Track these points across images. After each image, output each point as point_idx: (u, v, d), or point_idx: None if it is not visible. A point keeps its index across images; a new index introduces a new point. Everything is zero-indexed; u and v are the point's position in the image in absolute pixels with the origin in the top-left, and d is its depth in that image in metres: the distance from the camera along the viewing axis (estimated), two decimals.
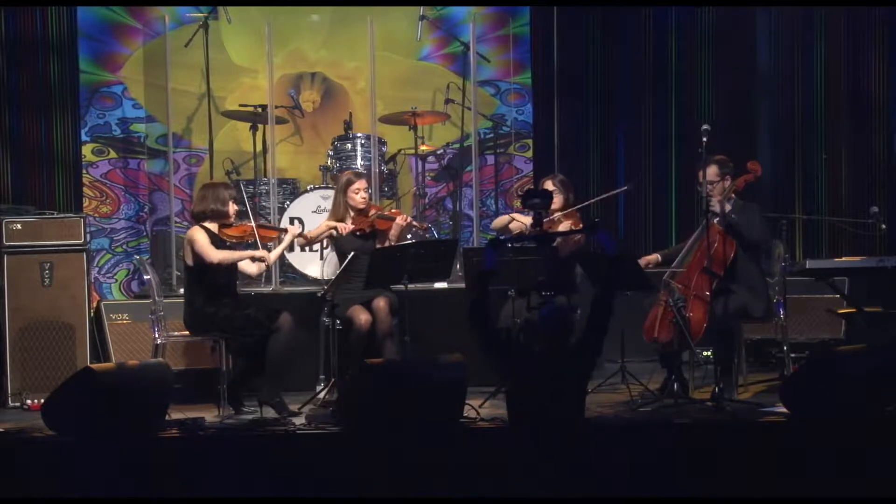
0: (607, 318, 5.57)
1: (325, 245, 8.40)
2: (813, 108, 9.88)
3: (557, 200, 7.80)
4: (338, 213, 7.82)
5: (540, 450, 5.37)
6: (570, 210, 7.79)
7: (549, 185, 7.82)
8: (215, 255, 7.14)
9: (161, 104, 9.33)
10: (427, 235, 8.72)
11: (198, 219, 7.32)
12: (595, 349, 5.66)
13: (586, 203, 7.93)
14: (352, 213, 7.78)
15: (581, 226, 7.77)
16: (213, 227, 7.26)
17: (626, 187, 8.67)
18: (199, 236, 7.16)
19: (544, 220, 7.79)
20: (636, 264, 7.33)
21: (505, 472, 5.97)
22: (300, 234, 7.69)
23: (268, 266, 7.60)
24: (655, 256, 7.58)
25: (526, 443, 5.44)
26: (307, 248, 8.26)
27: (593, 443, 5.61)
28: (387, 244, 7.72)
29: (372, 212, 7.79)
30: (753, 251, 7.34)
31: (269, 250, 7.74)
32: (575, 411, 5.49)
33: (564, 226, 7.67)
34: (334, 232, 7.73)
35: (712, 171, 7.31)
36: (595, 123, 9.94)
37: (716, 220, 7.25)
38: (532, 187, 7.68)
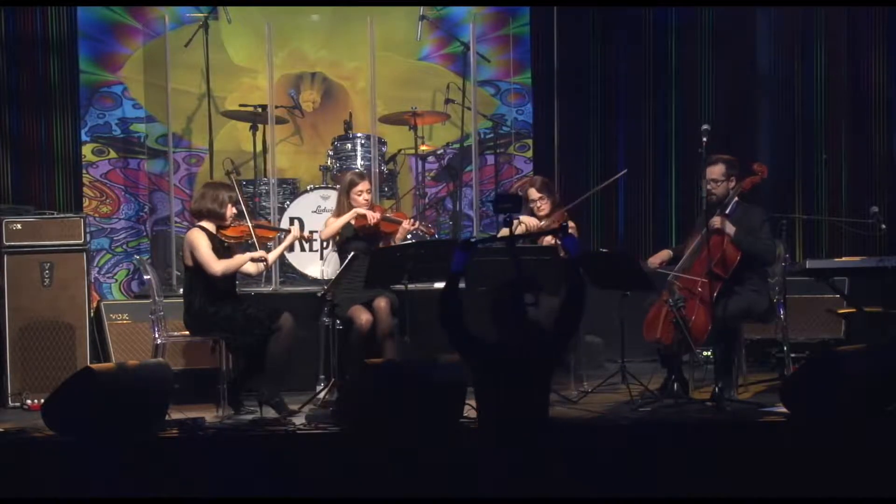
0: (576, 321, 5.53)
1: (325, 245, 8.40)
2: (813, 108, 9.88)
3: (545, 206, 7.80)
4: (341, 213, 7.80)
5: (505, 448, 5.37)
6: (559, 212, 7.79)
7: (533, 194, 7.82)
8: (218, 266, 7.12)
9: (161, 104, 9.34)
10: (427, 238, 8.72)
11: (195, 216, 7.31)
12: (559, 349, 5.64)
13: (582, 197, 7.92)
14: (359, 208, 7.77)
15: (571, 224, 7.75)
16: (211, 227, 7.25)
17: (624, 171, 8.61)
18: (201, 242, 7.12)
19: (539, 224, 7.82)
20: (636, 264, 7.33)
21: (505, 472, 5.98)
22: (302, 237, 7.66)
23: (267, 267, 7.58)
24: (667, 252, 7.53)
25: (492, 441, 5.44)
26: (309, 245, 8.22)
27: (558, 442, 5.60)
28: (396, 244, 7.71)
29: (377, 213, 7.78)
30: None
31: (269, 250, 7.73)
32: (538, 410, 5.47)
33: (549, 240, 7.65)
34: (355, 220, 7.70)
35: (718, 170, 7.30)
36: (595, 123, 9.94)
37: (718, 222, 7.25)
38: (504, 191, 7.69)
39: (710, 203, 7.17)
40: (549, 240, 7.60)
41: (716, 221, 7.14)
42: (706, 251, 7.05)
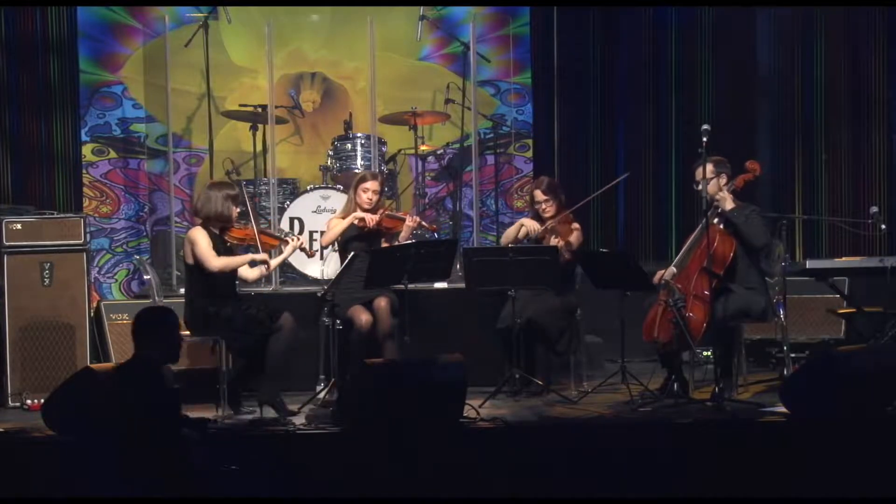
0: None
1: (325, 247, 8.38)
2: (813, 108, 9.89)
3: (550, 208, 7.80)
4: (348, 210, 7.81)
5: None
6: (563, 214, 7.79)
7: (539, 196, 7.83)
8: (216, 262, 7.07)
9: (161, 104, 9.33)
10: (428, 235, 8.71)
11: (203, 221, 7.27)
12: None
13: (584, 201, 7.93)
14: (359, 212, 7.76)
15: (575, 225, 7.76)
16: (216, 229, 7.23)
17: (626, 175, 8.56)
18: (201, 239, 7.10)
19: (541, 227, 7.82)
20: (636, 264, 7.33)
21: (505, 472, 5.98)
22: (301, 248, 7.62)
23: (269, 271, 7.54)
24: (672, 270, 7.48)
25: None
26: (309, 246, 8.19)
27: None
28: (395, 244, 7.70)
29: (380, 211, 7.76)
30: (754, 252, 7.34)
31: (271, 257, 7.72)
32: None
33: (552, 242, 7.66)
34: (356, 222, 7.69)
35: (707, 169, 7.32)
36: (595, 123, 9.94)
37: (715, 220, 7.25)
38: None
39: (708, 200, 7.17)
40: (555, 240, 7.62)
41: (720, 196, 7.16)
42: (701, 247, 7.06)
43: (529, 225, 7.88)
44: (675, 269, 7.30)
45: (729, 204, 7.20)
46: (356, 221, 7.69)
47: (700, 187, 7.18)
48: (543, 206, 7.81)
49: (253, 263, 7.28)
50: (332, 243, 7.87)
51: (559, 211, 7.82)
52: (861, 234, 8.80)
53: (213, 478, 5.65)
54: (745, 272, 7.24)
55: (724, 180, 7.34)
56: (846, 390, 6.32)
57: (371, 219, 7.64)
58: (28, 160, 9.36)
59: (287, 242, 7.50)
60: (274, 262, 7.53)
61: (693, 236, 7.30)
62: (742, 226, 7.16)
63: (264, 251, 7.39)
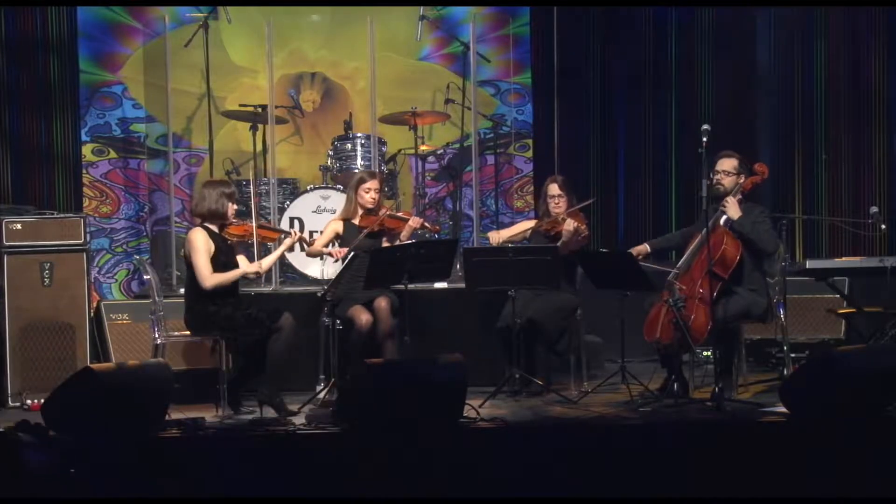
0: None
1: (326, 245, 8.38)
2: (813, 108, 9.88)
3: (563, 203, 7.84)
4: (348, 211, 7.82)
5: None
6: (573, 209, 7.82)
7: (554, 189, 7.86)
8: (209, 282, 7.04)
9: (161, 104, 9.34)
10: (428, 236, 8.71)
11: (199, 218, 7.27)
12: None
13: (581, 205, 7.93)
14: (360, 212, 7.77)
15: (584, 224, 7.78)
16: (214, 227, 7.23)
17: (591, 200, 8.51)
18: (199, 246, 7.06)
19: (548, 218, 7.84)
20: (636, 264, 7.32)
21: (505, 472, 5.98)
22: (301, 239, 7.63)
23: (261, 273, 7.52)
24: (644, 247, 7.53)
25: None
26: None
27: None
28: (396, 244, 7.70)
29: (382, 211, 7.76)
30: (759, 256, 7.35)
31: (270, 251, 7.71)
32: None
33: (569, 224, 7.68)
34: (356, 221, 7.74)
35: (732, 164, 7.32)
36: (595, 123, 9.95)
37: (721, 222, 7.25)
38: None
39: (714, 196, 7.16)
40: (567, 227, 7.60)
41: (727, 202, 7.17)
42: (706, 251, 7.05)
43: (493, 237, 8.02)
44: (647, 247, 7.46)
45: (735, 212, 7.19)
46: (359, 217, 7.72)
47: (718, 177, 7.19)
48: (557, 201, 7.84)
49: (246, 276, 7.27)
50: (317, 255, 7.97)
51: (568, 208, 7.84)
52: (861, 234, 8.80)
53: (52, 482, 5.61)
54: (749, 274, 7.24)
55: (741, 179, 7.35)
56: (846, 390, 6.32)
57: (338, 252, 7.66)
58: (28, 160, 9.37)
59: (289, 234, 7.51)
60: (272, 257, 7.51)
61: (699, 238, 7.27)
62: (750, 234, 7.16)
63: (262, 246, 7.38)
